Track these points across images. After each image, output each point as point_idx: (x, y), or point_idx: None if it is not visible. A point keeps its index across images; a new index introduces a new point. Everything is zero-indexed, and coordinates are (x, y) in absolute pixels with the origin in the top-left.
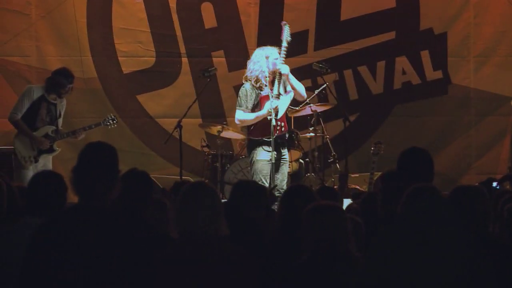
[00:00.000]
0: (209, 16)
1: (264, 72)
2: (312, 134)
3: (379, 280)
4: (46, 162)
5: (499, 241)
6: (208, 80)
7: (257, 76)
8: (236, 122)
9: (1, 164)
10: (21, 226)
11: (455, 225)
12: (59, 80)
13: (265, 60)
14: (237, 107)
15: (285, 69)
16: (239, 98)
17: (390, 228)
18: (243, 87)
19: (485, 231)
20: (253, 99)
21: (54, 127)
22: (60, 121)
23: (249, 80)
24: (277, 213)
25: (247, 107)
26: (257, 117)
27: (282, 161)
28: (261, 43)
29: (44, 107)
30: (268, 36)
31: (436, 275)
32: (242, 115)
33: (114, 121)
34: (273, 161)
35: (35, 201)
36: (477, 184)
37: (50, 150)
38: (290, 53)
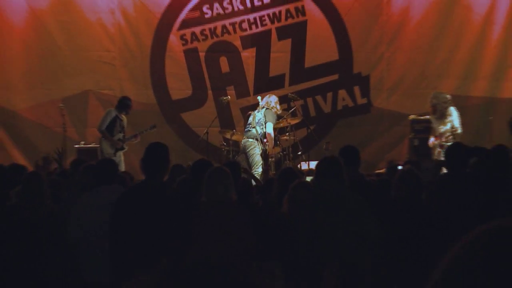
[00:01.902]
0: (224, 65)
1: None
2: (287, 137)
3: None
4: (120, 156)
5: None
6: (224, 104)
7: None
8: (270, 131)
9: (91, 157)
10: (100, 191)
11: (348, 193)
12: (129, 103)
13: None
14: (271, 121)
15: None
16: (274, 116)
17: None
18: (274, 111)
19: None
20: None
21: (123, 134)
22: (125, 130)
23: (275, 112)
24: (274, 185)
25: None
26: (272, 141)
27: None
28: (257, 81)
29: (118, 122)
30: (261, 77)
31: (335, 227)
32: (272, 132)
33: (154, 128)
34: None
35: (105, 176)
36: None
37: (122, 148)
38: (274, 87)
